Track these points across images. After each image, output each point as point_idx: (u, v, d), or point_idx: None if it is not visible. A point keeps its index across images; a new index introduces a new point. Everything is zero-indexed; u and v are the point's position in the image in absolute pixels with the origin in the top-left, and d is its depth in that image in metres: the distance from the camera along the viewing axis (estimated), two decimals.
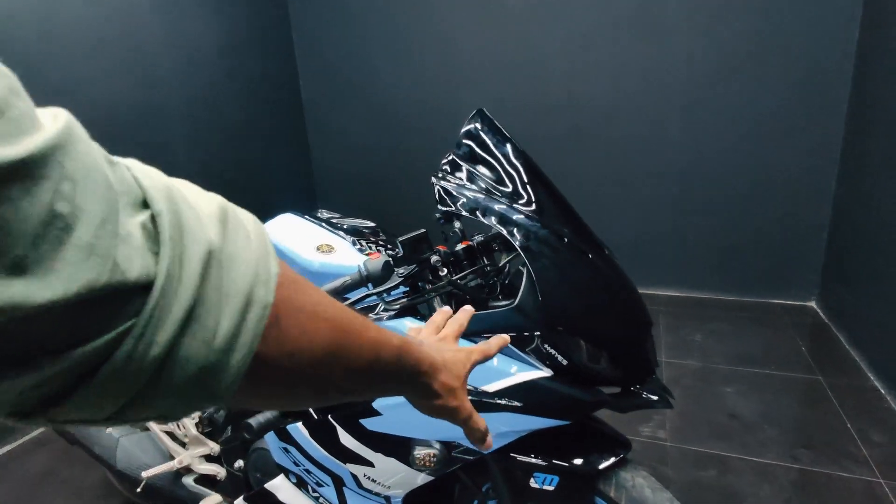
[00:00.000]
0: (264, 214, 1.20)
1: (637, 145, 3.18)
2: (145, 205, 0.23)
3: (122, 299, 0.21)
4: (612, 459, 0.96)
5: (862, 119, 2.58)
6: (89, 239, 0.20)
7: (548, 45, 3.21)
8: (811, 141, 2.85)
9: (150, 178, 0.25)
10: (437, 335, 0.57)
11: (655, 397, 0.98)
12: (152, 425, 1.53)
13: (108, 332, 0.21)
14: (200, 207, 0.26)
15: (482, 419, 0.52)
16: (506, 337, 0.60)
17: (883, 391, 2.18)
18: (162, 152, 2.82)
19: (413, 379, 0.45)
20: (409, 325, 1.02)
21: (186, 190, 0.27)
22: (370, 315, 1.04)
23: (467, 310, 0.62)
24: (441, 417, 0.49)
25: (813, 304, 3.05)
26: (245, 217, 0.29)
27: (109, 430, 1.49)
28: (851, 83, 2.70)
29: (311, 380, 0.33)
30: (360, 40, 3.68)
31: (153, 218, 0.23)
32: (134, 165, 0.25)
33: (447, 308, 0.62)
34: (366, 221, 1.37)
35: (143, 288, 0.22)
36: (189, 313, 0.23)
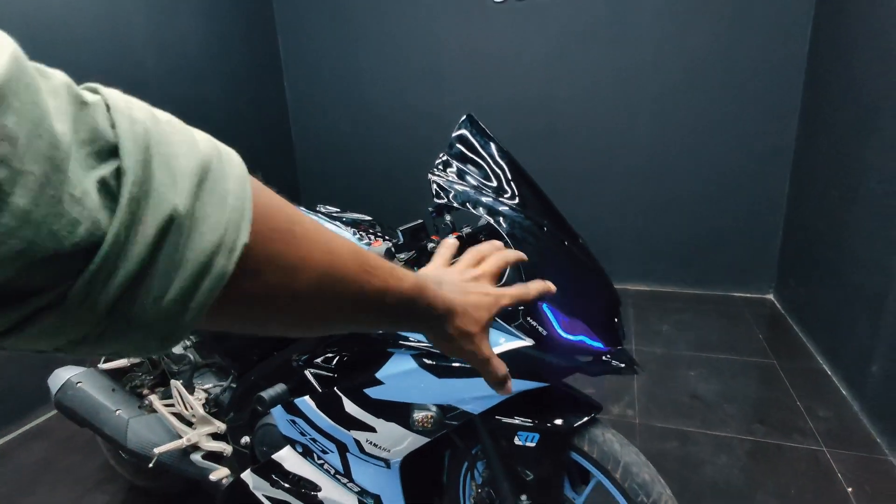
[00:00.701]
0: None
1: (608, 146, 3.37)
2: (116, 152, 0.22)
3: (62, 261, 0.20)
4: (585, 419, 1.11)
5: (811, 126, 2.81)
6: (26, 205, 0.18)
7: (527, 50, 3.37)
8: (767, 145, 3.07)
9: (131, 119, 0.23)
10: (475, 271, 0.54)
11: (623, 364, 1.13)
12: (160, 408, 1.62)
13: (48, 290, 0.20)
14: (178, 161, 0.24)
15: (502, 363, 0.51)
16: (549, 284, 0.58)
17: (829, 373, 2.40)
18: None
19: (425, 321, 0.45)
20: None
21: (173, 133, 0.25)
22: None
23: (515, 254, 0.58)
24: (458, 356, 0.50)
25: (771, 296, 3.29)
26: (231, 171, 0.27)
27: (119, 412, 1.58)
28: (802, 93, 2.93)
29: (297, 317, 0.33)
30: (345, 41, 3.79)
31: (119, 171, 0.22)
32: (117, 102, 0.23)
33: (453, 240, 0.60)
34: (363, 215, 1.50)
35: (87, 250, 0.21)
36: (133, 278, 0.22)
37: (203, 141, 0.26)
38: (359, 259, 0.36)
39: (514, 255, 0.58)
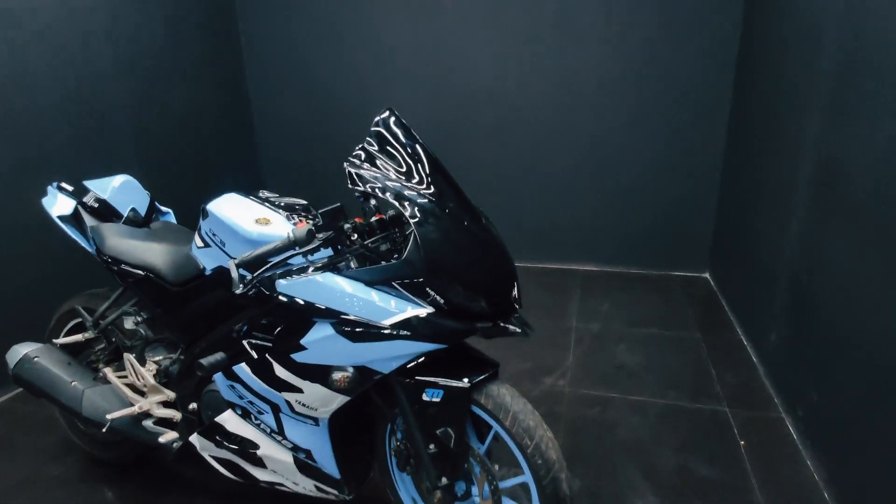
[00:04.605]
0: (211, 196, 1.47)
1: (554, 139, 3.54)
2: None
3: None
4: (483, 376, 1.28)
5: (738, 124, 3.02)
6: None
7: (476, 47, 3.51)
8: (699, 139, 3.29)
9: None
10: None
11: (518, 329, 1.30)
12: (114, 379, 1.75)
13: None
14: None
15: None
16: None
17: (745, 343, 2.63)
18: (108, 140, 2.95)
19: None
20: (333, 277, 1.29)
21: None
22: (301, 275, 1.30)
23: None
24: None
25: (707, 275, 3.52)
26: None
27: (74, 383, 1.70)
28: (732, 90, 3.13)
29: None
30: (305, 33, 3.87)
31: None
32: None
33: None
34: (299, 200, 1.63)
35: None
36: None
37: None
38: None
39: None
